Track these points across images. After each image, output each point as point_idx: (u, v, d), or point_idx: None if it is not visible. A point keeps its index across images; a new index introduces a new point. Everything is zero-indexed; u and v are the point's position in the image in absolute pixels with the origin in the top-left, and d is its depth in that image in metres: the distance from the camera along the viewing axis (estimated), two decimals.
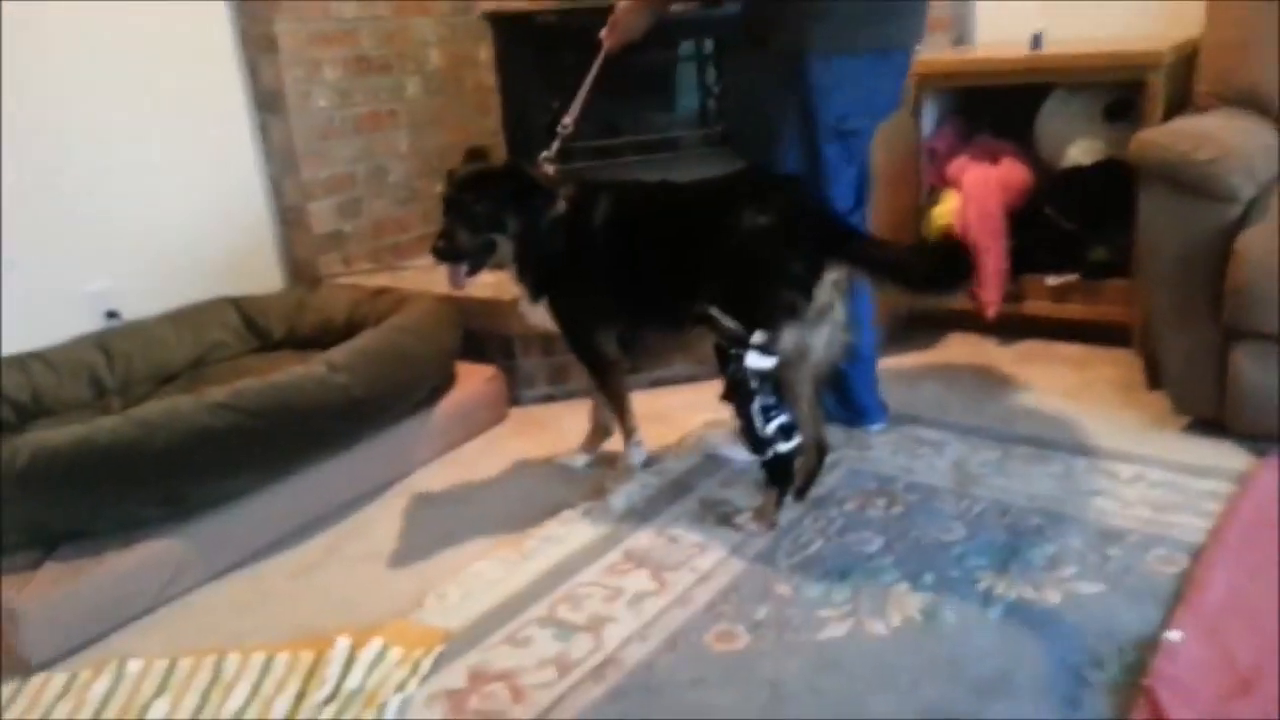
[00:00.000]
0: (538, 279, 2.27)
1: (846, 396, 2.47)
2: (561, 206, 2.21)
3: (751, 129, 2.50)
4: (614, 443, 2.47)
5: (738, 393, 2.01)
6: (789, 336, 2.01)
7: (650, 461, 2.42)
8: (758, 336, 1.97)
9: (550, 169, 2.31)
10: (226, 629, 1.92)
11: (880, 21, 2.20)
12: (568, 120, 2.37)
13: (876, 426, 2.52)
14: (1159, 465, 2.24)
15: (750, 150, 2.46)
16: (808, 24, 2.15)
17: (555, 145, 2.35)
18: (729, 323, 1.98)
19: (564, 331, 2.33)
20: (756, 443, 2.05)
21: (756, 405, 2.01)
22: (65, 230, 2.73)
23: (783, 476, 2.11)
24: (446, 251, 2.19)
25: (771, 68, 2.23)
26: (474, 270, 2.23)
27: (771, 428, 2.02)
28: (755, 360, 1.98)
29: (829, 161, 2.24)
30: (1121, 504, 2.10)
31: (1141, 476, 2.20)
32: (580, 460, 2.47)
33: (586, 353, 2.34)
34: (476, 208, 2.18)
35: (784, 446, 2.05)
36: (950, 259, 2.04)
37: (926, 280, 2.02)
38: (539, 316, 2.32)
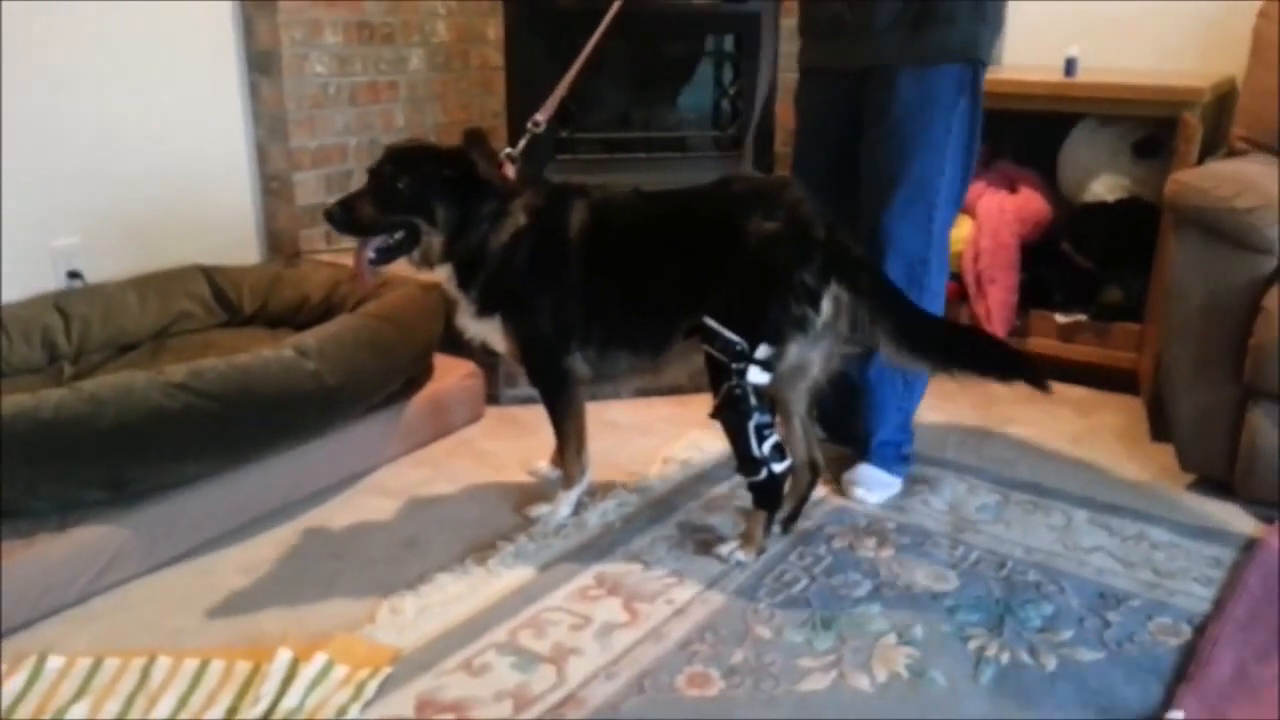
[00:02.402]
0: (487, 293, 2.01)
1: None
2: (520, 220, 1.97)
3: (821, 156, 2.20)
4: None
5: (734, 409, 1.89)
6: (794, 352, 1.89)
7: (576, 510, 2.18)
8: (762, 351, 1.85)
9: (511, 170, 2.03)
10: (163, 626, 1.78)
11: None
12: (540, 117, 2.09)
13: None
14: (1163, 525, 2.14)
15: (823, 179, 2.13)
16: (979, 29, 2.02)
17: (522, 143, 2.07)
18: (730, 336, 1.85)
19: (524, 353, 2.08)
20: (749, 463, 1.93)
21: (752, 423, 1.89)
22: (33, 180, 2.58)
23: (773, 499, 1.99)
24: (338, 218, 1.91)
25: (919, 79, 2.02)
26: (383, 258, 1.95)
27: (766, 447, 1.91)
28: (755, 376, 1.86)
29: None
30: (1123, 564, 1.99)
31: (1144, 535, 2.10)
32: (552, 471, 2.31)
33: (549, 377, 2.09)
34: (396, 183, 1.91)
35: (778, 467, 1.94)
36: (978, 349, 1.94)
37: (931, 353, 1.90)
38: (483, 333, 2.07)
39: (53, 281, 2.65)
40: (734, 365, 1.85)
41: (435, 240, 1.96)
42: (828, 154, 2.21)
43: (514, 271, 1.98)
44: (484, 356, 2.62)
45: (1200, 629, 1.78)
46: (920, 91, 2.03)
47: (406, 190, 1.92)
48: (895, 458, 2.29)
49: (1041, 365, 1.95)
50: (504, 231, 1.97)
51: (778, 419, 2.00)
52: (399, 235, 1.95)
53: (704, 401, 2.64)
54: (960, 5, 2.00)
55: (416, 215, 1.94)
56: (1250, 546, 2.04)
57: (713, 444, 2.49)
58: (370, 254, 1.95)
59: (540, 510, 2.16)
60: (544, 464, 2.34)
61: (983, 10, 2.03)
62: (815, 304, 1.86)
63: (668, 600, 1.86)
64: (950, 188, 2.06)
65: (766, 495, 1.98)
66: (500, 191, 1.97)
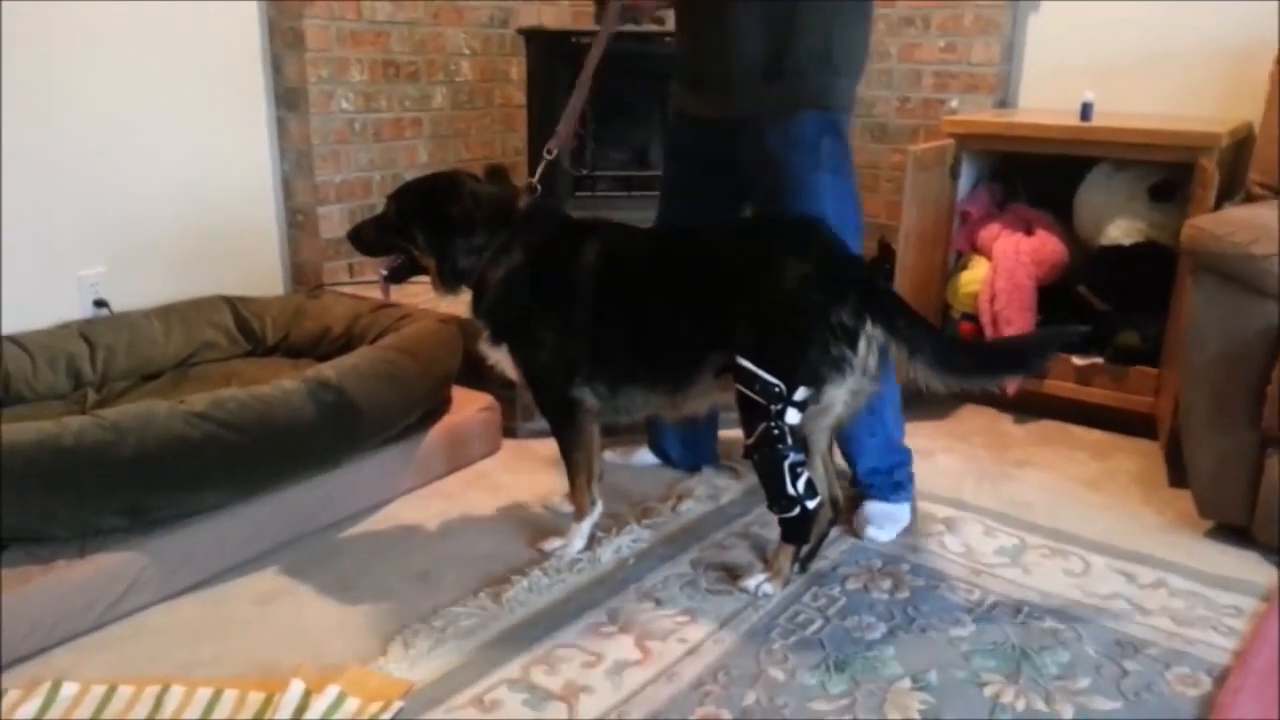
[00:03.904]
0: (493, 322, 2.09)
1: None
2: (518, 255, 2.03)
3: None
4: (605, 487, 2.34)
5: (771, 449, 1.89)
6: (828, 392, 1.89)
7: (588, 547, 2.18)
8: (801, 393, 1.86)
9: (525, 198, 2.13)
10: (176, 655, 1.78)
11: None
12: (553, 145, 2.18)
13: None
14: (1181, 572, 2.12)
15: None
16: (834, 81, 2.10)
17: (540, 169, 2.17)
18: (768, 378, 1.86)
19: (528, 383, 2.13)
20: (784, 501, 1.93)
21: (787, 462, 1.89)
22: (64, 211, 2.63)
23: (803, 535, 2.01)
24: (351, 237, 2.17)
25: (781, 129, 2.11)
26: (392, 277, 2.14)
27: (800, 485, 1.92)
28: (790, 416, 1.87)
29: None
30: (1141, 611, 1.97)
31: (1163, 583, 2.08)
32: (566, 506, 2.30)
33: (555, 407, 2.13)
34: (389, 210, 2.11)
35: (810, 504, 1.95)
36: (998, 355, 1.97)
37: (972, 368, 1.92)
38: (498, 359, 2.13)
39: (79, 310, 2.69)
40: (773, 406, 1.86)
41: (430, 265, 2.08)
42: (689, 197, 2.29)
43: (514, 303, 2.05)
44: (502, 390, 2.64)
45: (1220, 680, 1.76)
46: (784, 139, 2.10)
47: (394, 217, 2.10)
48: (890, 485, 2.29)
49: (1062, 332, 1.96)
50: (502, 264, 2.04)
51: None
52: (402, 258, 2.12)
53: (720, 437, 2.68)
54: (808, 59, 2.07)
55: (403, 240, 2.09)
56: (1272, 597, 2.02)
57: (728, 480, 2.50)
58: (382, 271, 2.15)
59: (553, 544, 2.16)
60: (559, 498, 2.35)
61: (831, 63, 2.09)
62: (853, 344, 1.87)
63: (680, 639, 1.85)
64: (839, 222, 2.07)
65: (797, 530, 1.99)
66: (491, 224, 2.03)
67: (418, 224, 2.06)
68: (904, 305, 1.94)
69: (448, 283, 2.08)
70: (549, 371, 2.07)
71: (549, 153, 2.18)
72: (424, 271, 2.12)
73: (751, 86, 2.10)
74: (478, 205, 2.04)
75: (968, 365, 1.92)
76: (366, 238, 2.14)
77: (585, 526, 2.18)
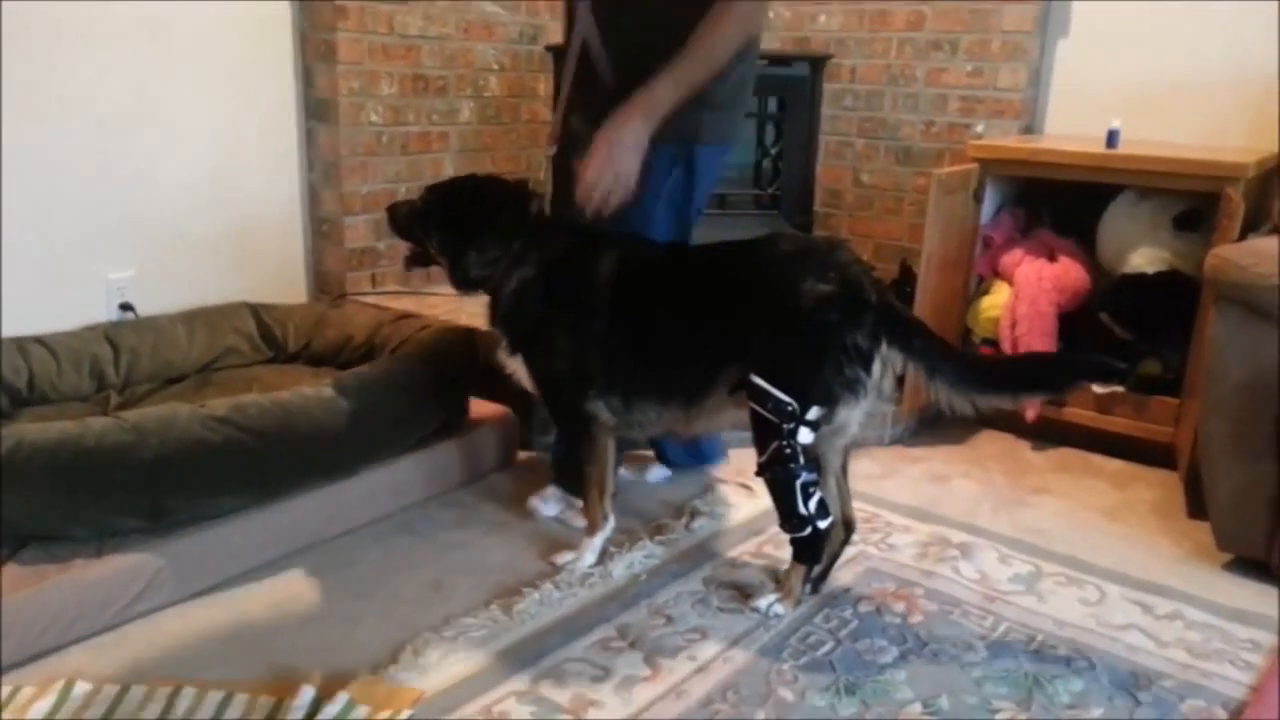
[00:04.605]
0: (508, 332, 2.11)
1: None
2: (531, 267, 2.05)
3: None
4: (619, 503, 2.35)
5: (783, 467, 1.89)
6: (842, 413, 1.90)
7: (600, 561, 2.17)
8: (814, 412, 1.86)
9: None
10: (189, 657, 1.80)
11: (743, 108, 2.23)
12: (553, 146, 2.20)
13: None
14: (1198, 604, 2.10)
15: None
16: (700, 115, 2.10)
17: (542, 172, 2.19)
18: (782, 396, 1.86)
19: (543, 394, 2.14)
20: (795, 520, 1.93)
21: (799, 481, 1.89)
22: (91, 214, 2.67)
23: (815, 555, 2.00)
24: (389, 210, 2.21)
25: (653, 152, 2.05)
26: (410, 262, 2.21)
27: (812, 504, 1.92)
28: (803, 435, 1.87)
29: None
30: (1156, 643, 1.95)
31: (1179, 614, 2.06)
32: (579, 520, 2.29)
33: (569, 419, 2.14)
34: (419, 200, 2.15)
35: (822, 523, 1.94)
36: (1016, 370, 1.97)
37: (993, 385, 1.91)
38: (515, 369, 2.14)
39: (105, 313, 2.73)
40: (785, 425, 1.87)
41: (443, 263, 2.13)
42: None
43: (529, 313, 2.06)
44: (518, 402, 2.65)
45: (1236, 714, 1.73)
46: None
47: (418, 211, 2.14)
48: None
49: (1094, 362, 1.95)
50: (517, 274, 2.06)
51: None
52: (420, 249, 2.17)
53: (733, 455, 2.68)
54: None
55: (419, 234, 2.15)
56: None
57: (741, 499, 2.50)
58: (405, 252, 2.23)
59: (565, 558, 2.16)
60: (571, 512, 2.35)
61: (703, 97, 2.06)
62: (867, 367, 1.87)
63: (690, 656, 1.85)
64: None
65: (809, 550, 1.99)
66: (508, 236, 2.06)
67: (435, 225, 2.11)
68: (921, 326, 1.94)
69: (459, 286, 2.13)
70: (564, 382, 2.08)
71: (549, 153, 2.21)
72: (429, 263, 2.19)
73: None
74: (497, 216, 2.05)
75: (989, 382, 1.91)
76: (399, 221, 2.18)
77: (597, 541, 2.18)
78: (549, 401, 2.16)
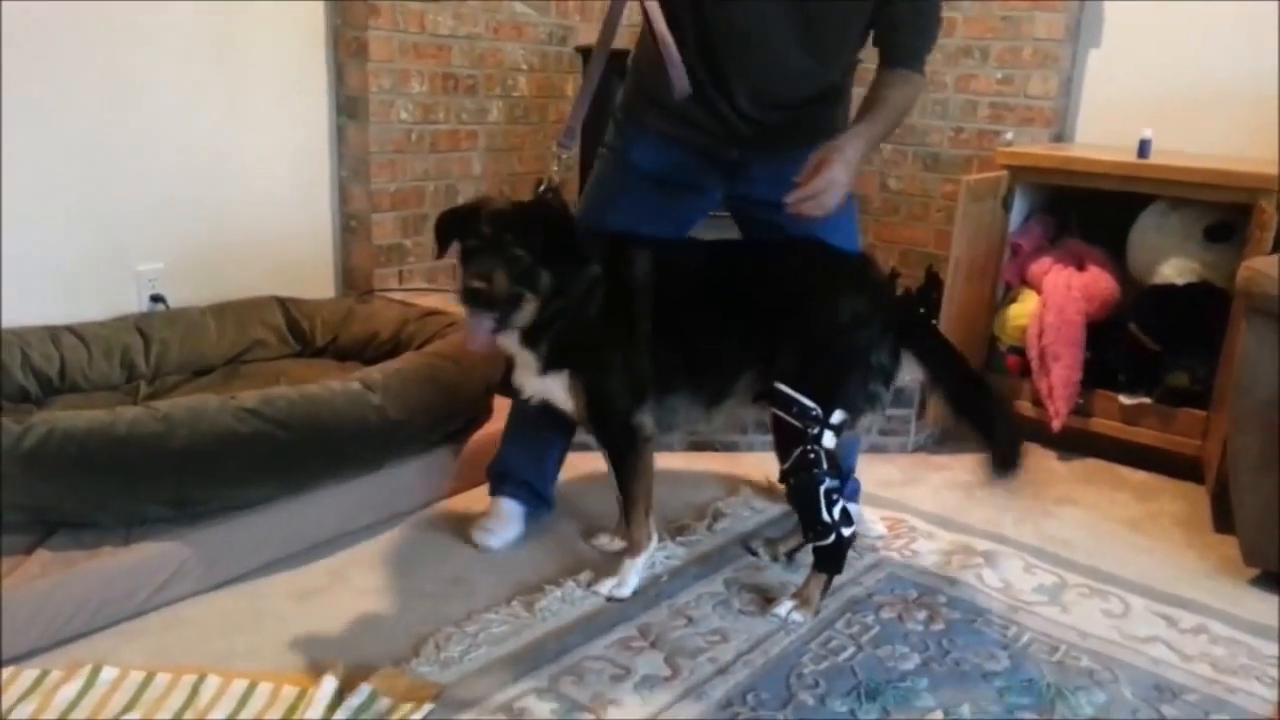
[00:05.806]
0: (555, 348, 1.94)
1: None
2: (595, 269, 1.91)
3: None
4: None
5: (807, 473, 1.90)
6: (864, 421, 1.96)
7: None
8: (837, 417, 1.87)
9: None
10: (214, 646, 1.81)
11: None
12: (566, 142, 2.02)
13: None
14: (1223, 619, 2.08)
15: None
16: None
17: (554, 172, 2.02)
18: (808, 403, 1.86)
19: (593, 410, 1.98)
20: (820, 527, 1.93)
21: (823, 488, 1.90)
22: (123, 207, 2.70)
23: (837, 564, 2.00)
24: (483, 297, 1.80)
25: None
26: (500, 327, 1.86)
27: (835, 512, 1.92)
28: (827, 441, 1.88)
29: None
30: (1181, 656, 1.93)
31: (1204, 628, 2.04)
32: (615, 544, 2.22)
33: (619, 434, 2.00)
34: (518, 251, 1.81)
35: (846, 531, 1.95)
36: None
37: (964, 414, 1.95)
38: (545, 390, 1.99)
39: (136, 304, 2.76)
40: (811, 431, 1.87)
41: (530, 307, 1.86)
42: (654, 220, 2.13)
43: (585, 324, 1.92)
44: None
45: None
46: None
47: (523, 259, 1.82)
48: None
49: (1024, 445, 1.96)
50: (585, 284, 1.92)
51: None
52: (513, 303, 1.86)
53: (757, 459, 2.67)
54: None
55: (527, 287, 1.84)
56: None
57: (763, 502, 2.49)
58: (488, 329, 1.86)
59: (607, 586, 2.05)
60: (605, 537, 2.27)
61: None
62: (888, 384, 1.93)
63: (710, 658, 1.85)
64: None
65: (831, 559, 1.99)
66: (589, 247, 1.92)
67: (545, 266, 1.84)
68: (938, 338, 2.01)
69: (549, 323, 1.90)
70: (617, 396, 1.97)
71: (562, 151, 2.04)
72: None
73: None
74: (576, 244, 1.90)
75: (962, 411, 1.94)
76: (500, 293, 1.81)
77: (641, 562, 2.07)
78: (597, 419, 2.01)
